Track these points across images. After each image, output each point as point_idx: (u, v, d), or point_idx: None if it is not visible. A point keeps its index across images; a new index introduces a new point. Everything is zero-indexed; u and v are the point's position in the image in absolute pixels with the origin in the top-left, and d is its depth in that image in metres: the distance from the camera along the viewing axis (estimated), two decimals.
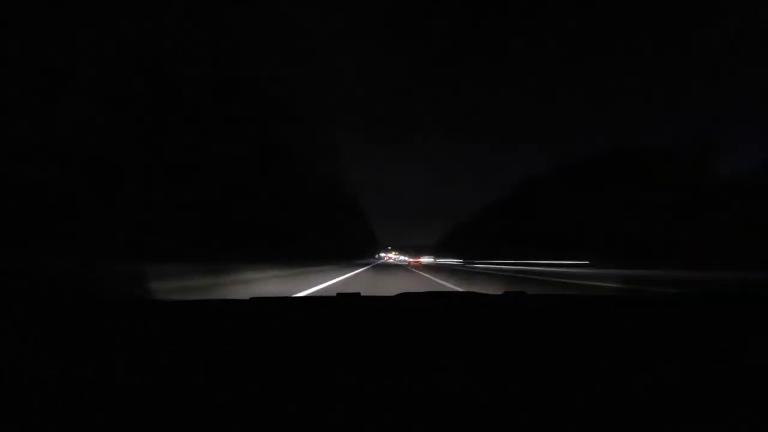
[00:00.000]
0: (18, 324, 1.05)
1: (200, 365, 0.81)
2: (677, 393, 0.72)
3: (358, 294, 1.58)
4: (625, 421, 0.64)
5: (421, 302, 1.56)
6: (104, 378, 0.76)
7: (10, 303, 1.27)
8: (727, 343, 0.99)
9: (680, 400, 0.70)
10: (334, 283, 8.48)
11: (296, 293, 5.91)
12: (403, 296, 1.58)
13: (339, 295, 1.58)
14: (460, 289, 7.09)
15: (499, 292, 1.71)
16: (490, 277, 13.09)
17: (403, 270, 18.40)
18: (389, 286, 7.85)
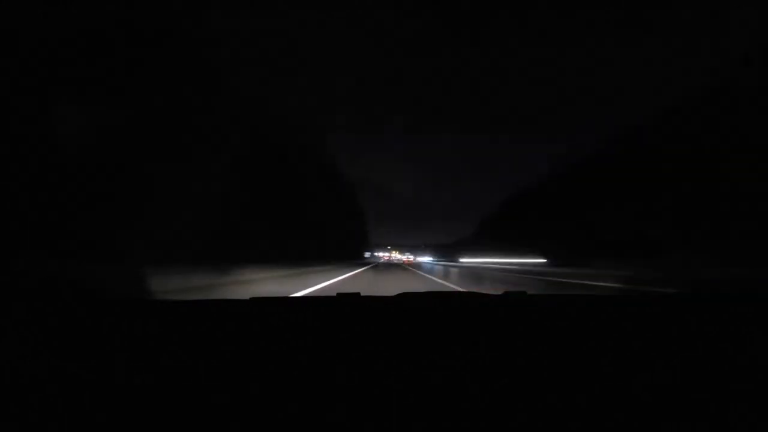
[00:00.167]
0: (18, 324, 1.05)
1: (200, 365, 0.81)
2: (676, 393, 0.72)
3: (358, 294, 1.58)
4: (624, 421, 0.64)
5: (421, 302, 1.56)
6: (104, 378, 0.76)
7: (10, 303, 1.27)
8: (727, 343, 0.99)
9: (680, 400, 0.70)
10: (333, 282, 8.49)
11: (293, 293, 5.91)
12: (403, 296, 1.58)
13: (339, 295, 1.58)
14: (460, 289, 7.09)
15: (499, 292, 1.71)
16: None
17: (396, 267, 18.82)
18: (386, 285, 7.87)
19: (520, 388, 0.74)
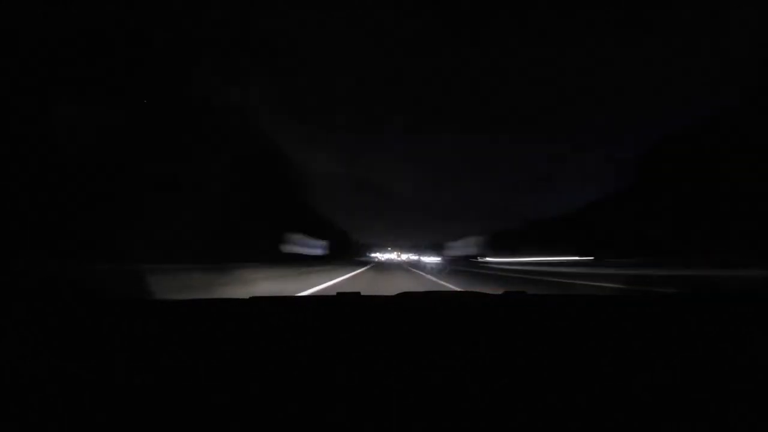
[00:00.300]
0: (18, 324, 1.05)
1: (200, 365, 0.81)
2: (676, 393, 0.72)
3: (358, 293, 1.58)
4: (624, 421, 0.64)
5: (421, 302, 1.56)
6: (104, 378, 0.76)
7: (10, 303, 1.27)
8: (727, 343, 0.99)
9: (679, 400, 0.70)
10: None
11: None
12: (403, 296, 1.58)
13: (339, 294, 1.58)
14: (460, 289, 7.09)
15: (499, 292, 1.71)
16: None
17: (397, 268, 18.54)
18: (384, 282, 7.87)
19: (520, 388, 0.74)
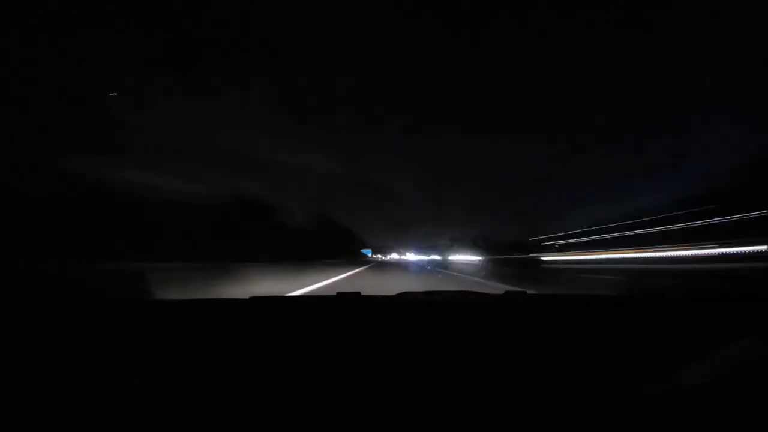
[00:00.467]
0: (18, 324, 1.05)
1: (200, 365, 0.81)
2: (676, 393, 0.72)
3: (358, 293, 1.58)
4: (624, 421, 0.64)
5: (421, 302, 1.56)
6: (104, 378, 0.76)
7: (10, 303, 1.27)
8: (727, 343, 0.99)
9: (679, 400, 0.70)
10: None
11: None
12: (403, 296, 1.58)
13: (339, 294, 1.58)
14: (460, 289, 7.07)
15: (500, 292, 1.71)
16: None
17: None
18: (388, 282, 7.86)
19: (520, 388, 0.74)
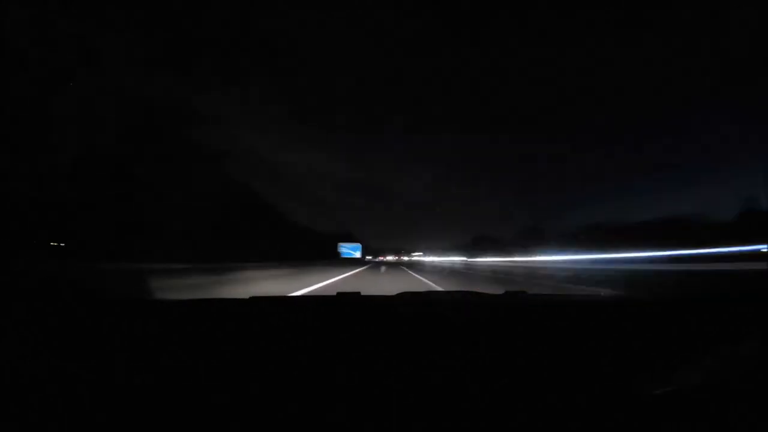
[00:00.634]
0: (18, 324, 1.05)
1: (200, 365, 0.81)
2: (676, 393, 0.72)
3: (358, 293, 1.58)
4: (624, 421, 0.64)
5: (421, 302, 1.56)
6: (104, 378, 0.76)
7: (10, 303, 1.27)
8: (727, 343, 0.99)
9: (679, 400, 0.70)
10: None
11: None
12: (403, 296, 1.58)
13: (339, 294, 1.58)
14: (459, 289, 7.08)
15: (499, 292, 1.71)
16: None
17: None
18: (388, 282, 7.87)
19: (520, 388, 0.74)
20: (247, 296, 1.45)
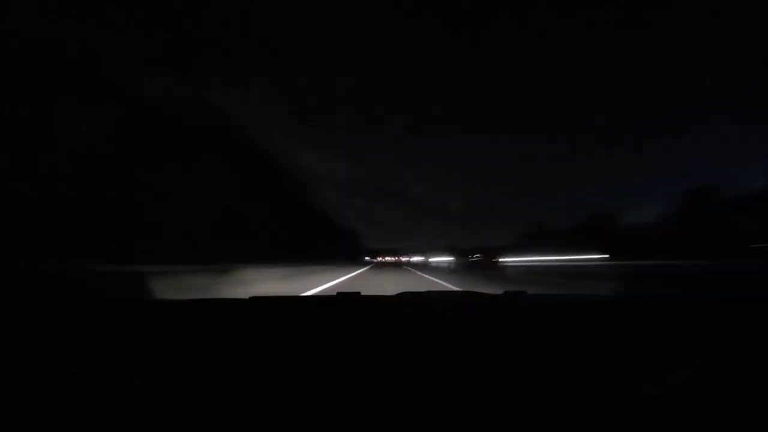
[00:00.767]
0: (18, 324, 1.05)
1: (200, 365, 0.81)
2: (676, 393, 0.72)
3: (358, 293, 1.58)
4: (624, 421, 0.64)
5: (421, 302, 1.56)
6: (104, 378, 0.76)
7: (10, 303, 1.27)
8: (727, 343, 0.99)
9: (679, 401, 0.70)
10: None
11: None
12: (403, 296, 1.58)
13: (339, 294, 1.58)
14: (459, 289, 7.09)
15: (499, 292, 1.71)
16: None
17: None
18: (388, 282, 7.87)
19: (520, 388, 0.74)
20: (247, 296, 1.45)
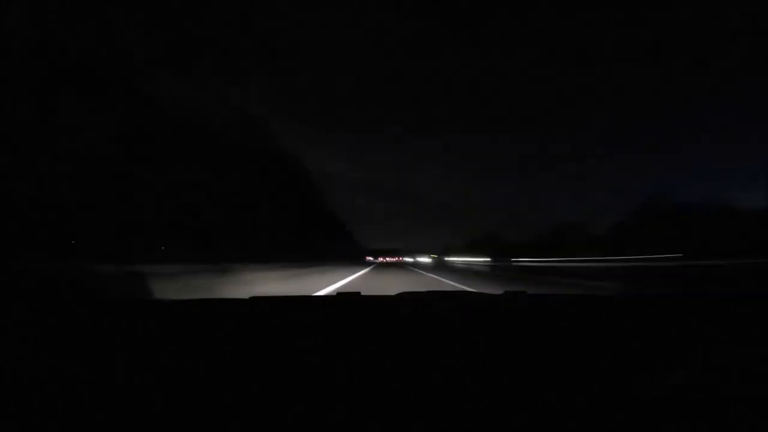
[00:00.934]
0: (18, 324, 1.05)
1: (200, 365, 0.81)
2: (676, 393, 0.72)
3: (359, 293, 1.58)
4: (624, 421, 0.64)
5: (421, 302, 1.56)
6: (104, 378, 0.76)
7: (10, 303, 1.27)
8: (727, 343, 0.99)
9: (679, 400, 0.70)
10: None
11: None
12: (403, 296, 1.58)
13: (339, 294, 1.58)
14: (459, 289, 7.09)
15: (499, 292, 1.71)
16: None
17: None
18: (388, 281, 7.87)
19: (520, 388, 0.74)
20: (247, 296, 1.45)
